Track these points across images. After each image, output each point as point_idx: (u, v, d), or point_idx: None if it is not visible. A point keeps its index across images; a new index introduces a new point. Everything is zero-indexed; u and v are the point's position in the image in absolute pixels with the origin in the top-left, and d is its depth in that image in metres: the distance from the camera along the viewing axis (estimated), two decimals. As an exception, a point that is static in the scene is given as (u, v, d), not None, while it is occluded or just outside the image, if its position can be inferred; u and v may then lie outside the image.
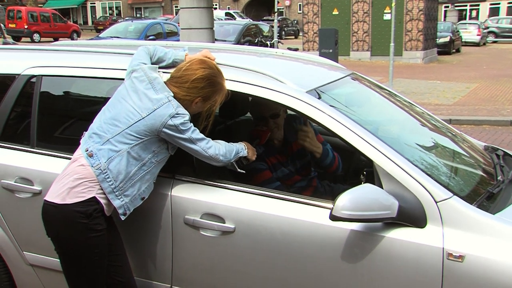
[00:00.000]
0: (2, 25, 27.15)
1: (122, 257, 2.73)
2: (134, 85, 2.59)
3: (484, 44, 35.05)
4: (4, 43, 3.94)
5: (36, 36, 30.54)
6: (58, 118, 3.29)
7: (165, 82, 2.61)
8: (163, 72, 2.71)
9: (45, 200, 2.56)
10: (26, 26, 30.37)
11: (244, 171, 2.77)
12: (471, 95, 13.36)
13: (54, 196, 2.52)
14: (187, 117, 2.54)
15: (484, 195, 2.56)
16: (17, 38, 28.13)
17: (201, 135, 2.58)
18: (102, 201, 2.53)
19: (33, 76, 3.05)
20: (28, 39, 29.51)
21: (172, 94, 2.56)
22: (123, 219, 2.58)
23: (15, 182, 2.94)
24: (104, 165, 2.50)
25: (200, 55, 2.76)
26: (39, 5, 42.89)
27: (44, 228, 2.59)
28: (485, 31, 36.18)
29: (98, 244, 2.54)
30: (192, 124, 2.55)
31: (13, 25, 30.44)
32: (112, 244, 2.64)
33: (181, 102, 2.57)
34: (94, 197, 2.50)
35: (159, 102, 2.51)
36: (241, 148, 2.74)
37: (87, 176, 2.50)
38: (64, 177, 2.54)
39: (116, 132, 2.53)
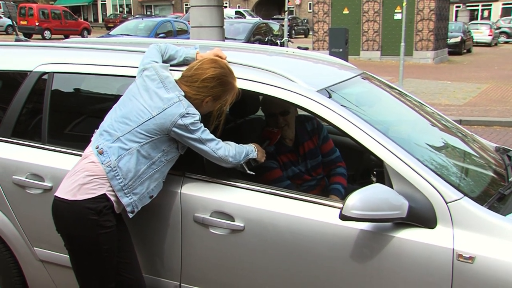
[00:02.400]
0: (14, 22, 27.30)
1: (131, 254, 2.74)
2: (145, 83, 2.59)
3: (496, 44, 34.82)
4: (17, 40, 3.95)
5: (47, 33, 30.71)
6: (69, 115, 3.30)
7: (176, 81, 2.61)
8: (175, 70, 2.71)
9: (55, 196, 2.58)
10: (37, 23, 30.55)
11: (253, 173, 2.77)
12: (482, 96, 13.28)
13: (65, 192, 2.54)
14: (198, 117, 2.54)
15: (495, 196, 2.54)
16: (28, 35, 28.25)
17: (211, 136, 2.57)
18: (112, 198, 2.54)
19: (45, 73, 3.06)
20: (39, 36, 29.66)
21: (183, 94, 2.56)
22: (131, 216, 2.59)
23: (26, 178, 2.95)
24: (114, 162, 2.51)
25: (212, 53, 2.76)
26: (50, 3, 43.12)
27: (54, 224, 2.61)
28: (497, 31, 35.93)
29: (108, 241, 2.55)
30: (202, 124, 2.56)
31: (25, 22, 30.62)
32: (121, 241, 2.65)
33: (191, 101, 2.57)
34: (104, 194, 2.52)
35: (170, 101, 2.52)
36: (251, 150, 2.73)
37: (98, 173, 2.52)
38: (75, 173, 2.55)
39: (126, 130, 2.53)
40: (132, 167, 2.52)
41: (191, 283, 2.78)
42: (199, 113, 2.56)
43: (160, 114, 2.51)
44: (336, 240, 2.45)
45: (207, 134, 2.56)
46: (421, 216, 2.34)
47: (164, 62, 2.73)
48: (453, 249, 2.27)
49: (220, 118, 2.66)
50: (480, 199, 2.44)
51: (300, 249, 2.52)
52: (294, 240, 2.52)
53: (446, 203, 2.32)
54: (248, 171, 2.75)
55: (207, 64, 2.62)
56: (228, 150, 2.60)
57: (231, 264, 2.68)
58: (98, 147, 2.55)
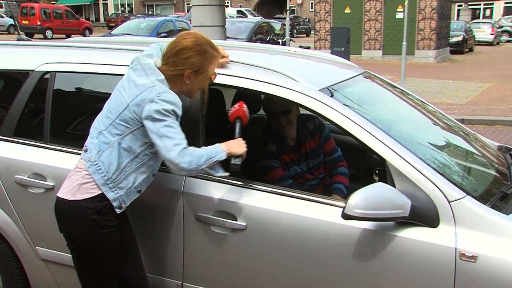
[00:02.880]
0: (15, 21, 27.33)
1: (135, 254, 2.73)
2: (128, 75, 2.54)
3: (498, 43, 34.77)
4: (19, 39, 3.95)
5: (48, 33, 30.73)
6: (71, 114, 3.31)
7: (159, 67, 2.51)
8: None
9: (57, 196, 2.58)
10: (39, 23, 30.56)
11: (228, 174, 2.53)
12: (484, 95, 13.26)
13: (65, 192, 2.54)
14: (169, 106, 2.38)
15: (498, 195, 2.54)
16: (30, 35, 28.24)
17: (173, 134, 2.38)
18: None
19: (47, 72, 3.07)
20: (41, 36, 29.67)
21: (162, 77, 2.46)
22: (118, 212, 2.53)
23: (28, 177, 2.96)
24: (94, 156, 2.48)
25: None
26: (52, 2, 43.16)
27: (57, 224, 2.61)
28: (499, 30, 35.88)
29: (109, 240, 2.54)
30: (173, 118, 2.39)
31: (26, 22, 30.63)
32: (124, 240, 2.65)
33: (172, 82, 2.48)
34: (103, 193, 2.50)
35: (144, 87, 2.42)
36: (215, 152, 2.46)
37: None
38: (75, 173, 2.55)
39: (108, 124, 2.49)
40: (114, 160, 2.47)
41: (193, 282, 2.78)
42: (175, 102, 2.42)
43: (133, 101, 2.42)
44: (338, 239, 2.45)
45: (169, 131, 2.37)
46: (424, 215, 2.33)
47: None
48: (455, 248, 2.26)
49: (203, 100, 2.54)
50: (483, 198, 2.44)
51: (302, 248, 2.52)
52: (296, 239, 2.52)
53: (449, 202, 2.32)
54: (217, 174, 2.51)
55: (180, 36, 2.52)
56: (182, 156, 2.37)
57: (233, 263, 2.68)
58: (84, 146, 2.55)
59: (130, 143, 2.48)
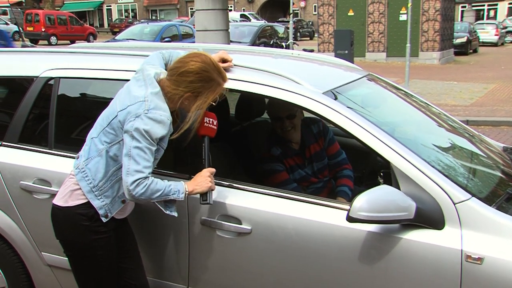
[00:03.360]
0: (20, 28, 27.47)
1: (136, 260, 2.72)
2: (129, 84, 2.53)
3: (502, 44, 34.69)
4: (23, 46, 3.96)
5: (53, 39, 30.86)
6: (76, 120, 3.31)
7: (162, 79, 2.49)
8: None
9: (52, 203, 2.59)
10: (43, 29, 30.70)
11: (177, 215, 2.50)
12: (488, 96, 13.22)
13: (59, 198, 2.55)
14: (151, 127, 2.32)
15: (503, 196, 2.53)
16: (34, 41, 28.39)
17: (141, 159, 2.31)
18: None
19: (51, 78, 3.08)
20: (46, 42, 29.81)
21: (157, 90, 2.40)
22: (104, 221, 2.50)
23: (33, 183, 2.96)
24: (82, 164, 2.49)
25: (217, 56, 2.72)
26: (56, 8, 43.32)
27: (53, 231, 2.62)
28: (503, 31, 35.80)
29: (103, 247, 2.53)
30: (148, 143, 2.32)
31: (31, 28, 30.78)
32: (123, 246, 2.64)
33: (170, 98, 2.45)
34: None
35: (135, 99, 2.38)
36: (174, 191, 2.41)
37: None
38: (68, 180, 2.56)
39: (99, 131, 2.49)
40: (101, 168, 2.46)
41: (198, 286, 2.78)
42: (164, 121, 2.35)
43: (122, 111, 2.40)
44: (343, 242, 2.44)
45: (138, 154, 2.31)
46: (429, 217, 2.32)
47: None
48: (461, 250, 2.26)
49: (194, 122, 2.47)
50: (488, 200, 2.43)
51: (308, 251, 2.51)
52: (302, 242, 2.51)
53: (454, 204, 2.31)
54: (173, 213, 2.48)
55: (189, 57, 2.46)
56: (137, 183, 2.31)
57: (239, 267, 2.67)
58: (78, 153, 2.56)
59: (117, 152, 2.45)
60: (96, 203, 2.48)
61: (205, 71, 2.42)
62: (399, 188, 2.39)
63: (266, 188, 2.69)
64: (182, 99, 2.45)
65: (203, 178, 2.48)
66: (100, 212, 2.49)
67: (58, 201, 2.54)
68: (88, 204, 2.48)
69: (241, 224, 2.60)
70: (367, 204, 2.26)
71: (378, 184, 2.51)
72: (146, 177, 2.33)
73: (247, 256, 2.64)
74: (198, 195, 2.50)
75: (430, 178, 2.35)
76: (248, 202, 2.62)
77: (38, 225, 3.02)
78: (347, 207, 2.35)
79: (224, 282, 2.73)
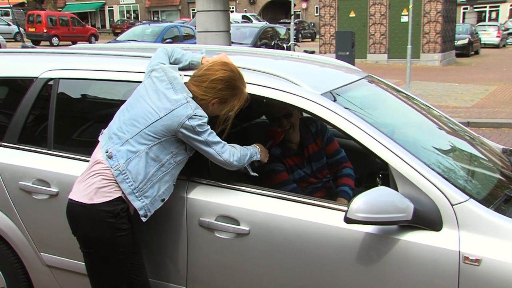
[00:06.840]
0: (21, 29, 27.52)
1: (140, 256, 2.76)
2: (154, 84, 2.60)
3: (504, 46, 34.66)
4: (23, 47, 3.97)
5: (55, 40, 30.90)
6: (75, 120, 3.32)
7: (185, 83, 2.62)
8: (184, 75, 2.71)
9: (70, 199, 2.59)
10: (45, 30, 30.74)
11: (257, 174, 2.77)
12: (490, 98, 13.22)
13: (81, 196, 2.55)
14: (205, 119, 2.54)
15: (502, 198, 2.53)
16: (36, 42, 28.45)
17: (217, 139, 2.57)
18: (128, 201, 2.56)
19: (51, 79, 3.08)
20: (47, 43, 29.84)
21: (191, 95, 2.57)
22: (144, 220, 2.59)
23: (32, 184, 2.97)
24: (123, 166, 2.52)
25: (218, 58, 2.76)
26: (58, 9, 43.36)
27: (70, 227, 2.62)
28: (505, 32, 35.76)
29: (124, 243, 2.58)
30: (209, 126, 2.56)
31: (33, 29, 30.83)
32: (133, 244, 2.67)
33: (198, 102, 2.57)
34: (120, 197, 2.54)
35: (178, 103, 2.52)
36: (254, 152, 2.74)
37: (113, 177, 2.53)
38: (90, 177, 2.56)
39: (134, 133, 2.54)
40: (141, 169, 2.53)
41: (197, 287, 2.78)
42: (206, 116, 2.56)
43: (167, 115, 2.51)
44: (341, 243, 2.45)
45: (214, 137, 2.56)
46: (427, 218, 2.32)
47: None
48: (459, 251, 2.26)
49: (226, 123, 2.65)
50: (487, 201, 2.43)
51: (306, 252, 2.51)
52: (300, 243, 2.51)
53: (452, 205, 2.31)
54: (252, 173, 2.76)
55: (218, 65, 2.62)
56: (232, 154, 2.60)
57: (237, 268, 2.68)
58: (107, 151, 2.56)
59: (158, 152, 2.54)
60: (137, 204, 2.55)
61: (234, 79, 2.61)
62: (397, 190, 2.39)
63: (264, 188, 2.69)
64: (209, 104, 2.60)
65: (265, 150, 2.86)
66: (141, 212, 2.57)
67: (81, 198, 2.54)
68: (114, 202, 2.52)
69: (239, 225, 2.60)
70: (364, 205, 2.26)
71: (376, 185, 2.51)
72: (231, 146, 2.63)
73: (245, 257, 2.64)
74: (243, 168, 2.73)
75: (427, 180, 2.35)
76: (246, 203, 2.63)
77: (37, 225, 3.03)
78: (345, 208, 2.35)
79: (222, 283, 2.73)
